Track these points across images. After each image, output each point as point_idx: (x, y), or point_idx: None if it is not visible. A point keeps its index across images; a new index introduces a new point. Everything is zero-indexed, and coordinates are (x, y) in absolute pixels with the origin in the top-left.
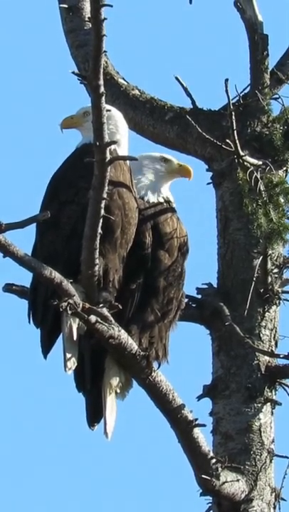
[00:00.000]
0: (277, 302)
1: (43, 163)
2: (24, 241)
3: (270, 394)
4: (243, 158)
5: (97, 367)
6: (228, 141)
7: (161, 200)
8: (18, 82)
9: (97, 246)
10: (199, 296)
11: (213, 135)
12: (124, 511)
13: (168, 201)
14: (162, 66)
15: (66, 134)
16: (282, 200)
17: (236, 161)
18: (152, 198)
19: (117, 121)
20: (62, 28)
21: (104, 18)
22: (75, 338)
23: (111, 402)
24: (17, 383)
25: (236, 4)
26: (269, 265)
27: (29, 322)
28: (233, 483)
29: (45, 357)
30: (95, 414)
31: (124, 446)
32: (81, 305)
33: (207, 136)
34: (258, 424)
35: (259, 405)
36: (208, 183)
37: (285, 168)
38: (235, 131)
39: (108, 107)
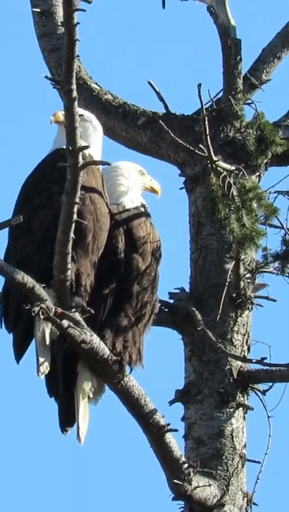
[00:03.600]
0: (250, 307)
1: (15, 168)
2: None
3: (242, 399)
4: (216, 163)
5: (70, 372)
6: (201, 146)
7: (137, 205)
8: None
9: (70, 251)
10: (172, 301)
11: (186, 140)
12: None
13: (143, 206)
14: (135, 71)
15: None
16: (255, 206)
17: (209, 166)
18: (128, 203)
19: (90, 126)
20: (34, 32)
21: (77, 23)
22: (47, 342)
23: (84, 407)
24: None
25: (209, 9)
26: (241, 270)
27: (1, 327)
28: (205, 488)
29: (17, 362)
30: (67, 419)
31: (97, 451)
32: (53, 310)
33: (180, 141)
34: (230, 429)
35: (231, 410)
36: (181, 188)
37: (258, 174)
38: (208, 136)
39: (81, 111)
